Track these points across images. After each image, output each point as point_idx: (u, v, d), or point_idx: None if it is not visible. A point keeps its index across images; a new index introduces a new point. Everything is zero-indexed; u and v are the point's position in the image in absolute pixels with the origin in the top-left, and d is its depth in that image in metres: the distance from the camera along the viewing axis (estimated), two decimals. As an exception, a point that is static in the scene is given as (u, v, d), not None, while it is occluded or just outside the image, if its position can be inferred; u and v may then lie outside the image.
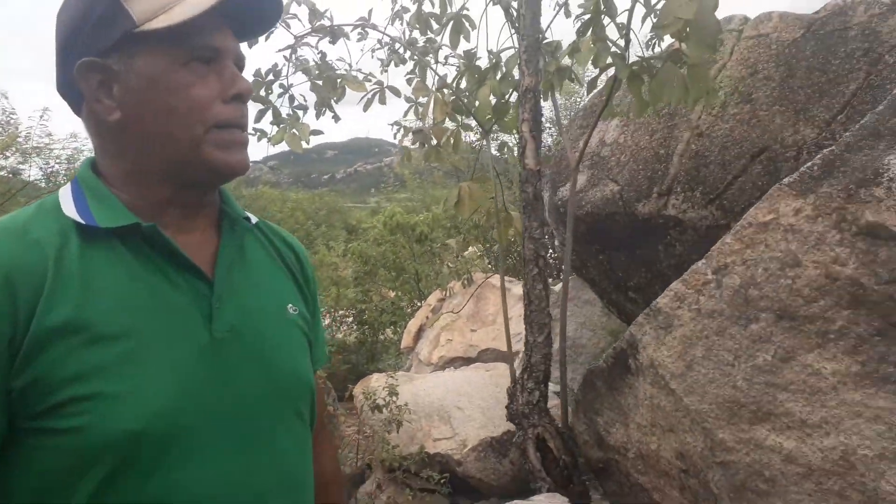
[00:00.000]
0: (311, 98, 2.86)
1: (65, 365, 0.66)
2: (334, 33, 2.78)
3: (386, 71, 3.46)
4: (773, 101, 3.41)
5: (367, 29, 3.27)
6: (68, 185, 0.81)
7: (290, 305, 0.88)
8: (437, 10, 3.30)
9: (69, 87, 0.80)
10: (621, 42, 2.41)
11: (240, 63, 0.83)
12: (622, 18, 2.42)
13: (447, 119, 3.12)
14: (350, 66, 2.89)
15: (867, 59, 3.22)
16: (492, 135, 3.49)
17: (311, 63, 2.79)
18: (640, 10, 2.36)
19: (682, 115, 3.63)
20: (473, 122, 3.10)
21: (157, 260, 0.76)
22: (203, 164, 0.79)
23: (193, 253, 0.79)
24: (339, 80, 2.74)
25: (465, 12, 3.15)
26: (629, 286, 3.93)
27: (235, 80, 0.81)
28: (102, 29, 0.76)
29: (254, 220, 0.93)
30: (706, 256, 1.96)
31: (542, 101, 2.76)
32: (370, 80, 3.19)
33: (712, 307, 1.91)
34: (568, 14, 3.18)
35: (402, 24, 3.43)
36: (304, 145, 2.92)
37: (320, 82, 2.89)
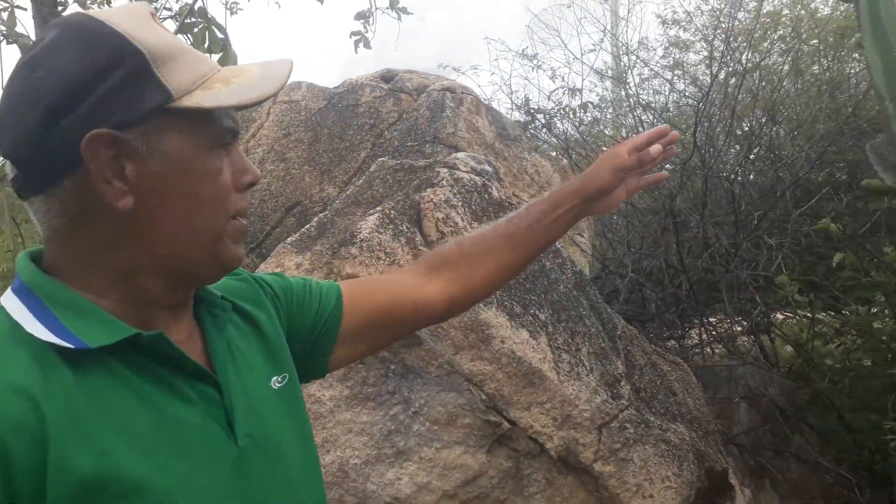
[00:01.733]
0: None
1: None
2: None
3: None
4: (304, 161, 3.89)
5: None
6: (11, 295, 0.64)
7: (274, 378, 0.80)
8: None
9: (47, 156, 0.62)
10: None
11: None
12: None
13: None
14: None
15: (373, 133, 3.93)
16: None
17: None
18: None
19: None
20: None
21: (159, 372, 0.65)
22: (216, 259, 0.70)
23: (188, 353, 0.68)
24: None
25: None
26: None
27: (247, 167, 0.73)
28: (125, 96, 0.62)
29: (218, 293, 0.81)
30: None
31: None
32: None
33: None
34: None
35: None
36: None
37: None
